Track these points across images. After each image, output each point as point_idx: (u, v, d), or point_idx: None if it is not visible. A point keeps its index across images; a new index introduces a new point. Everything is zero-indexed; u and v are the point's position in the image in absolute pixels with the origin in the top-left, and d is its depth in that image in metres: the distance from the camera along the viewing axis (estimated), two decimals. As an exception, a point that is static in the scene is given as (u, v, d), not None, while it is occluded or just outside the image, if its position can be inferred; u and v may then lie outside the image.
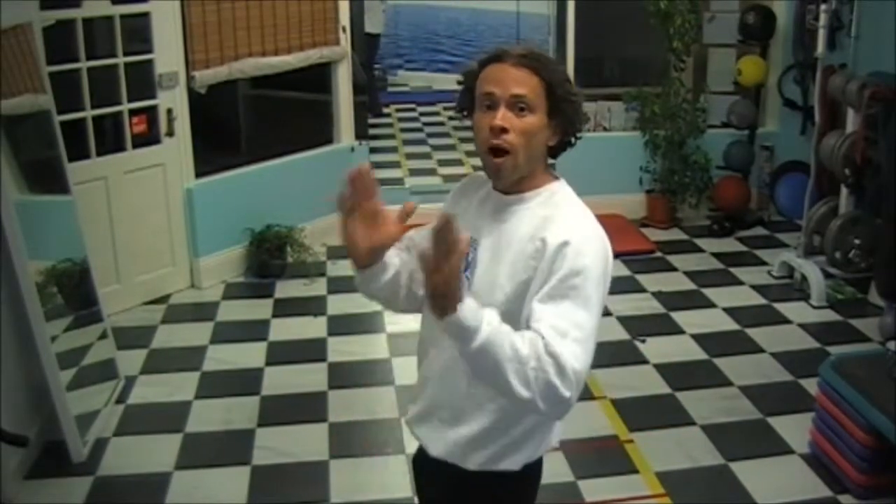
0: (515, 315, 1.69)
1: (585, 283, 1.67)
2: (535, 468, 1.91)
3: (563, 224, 1.71)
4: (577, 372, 1.59)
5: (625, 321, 4.87)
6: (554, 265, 1.66)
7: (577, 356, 1.60)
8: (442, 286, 1.53)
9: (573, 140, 1.83)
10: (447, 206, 1.96)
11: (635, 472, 3.54)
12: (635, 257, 5.76)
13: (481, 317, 1.57)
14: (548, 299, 1.65)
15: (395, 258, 1.88)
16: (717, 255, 5.84)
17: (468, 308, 1.56)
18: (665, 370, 4.34)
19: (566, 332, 1.61)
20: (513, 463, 1.84)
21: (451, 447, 1.84)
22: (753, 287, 5.32)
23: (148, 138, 4.94)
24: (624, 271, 5.57)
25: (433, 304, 1.57)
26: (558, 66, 1.78)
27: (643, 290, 5.29)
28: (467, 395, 1.78)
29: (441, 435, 1.85)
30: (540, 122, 1.73)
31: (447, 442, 1.85)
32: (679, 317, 4.93)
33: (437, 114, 9.64)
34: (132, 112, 4.83)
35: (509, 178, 1.77)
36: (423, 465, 1.96)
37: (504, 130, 1.72)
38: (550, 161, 1.86)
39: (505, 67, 1.74)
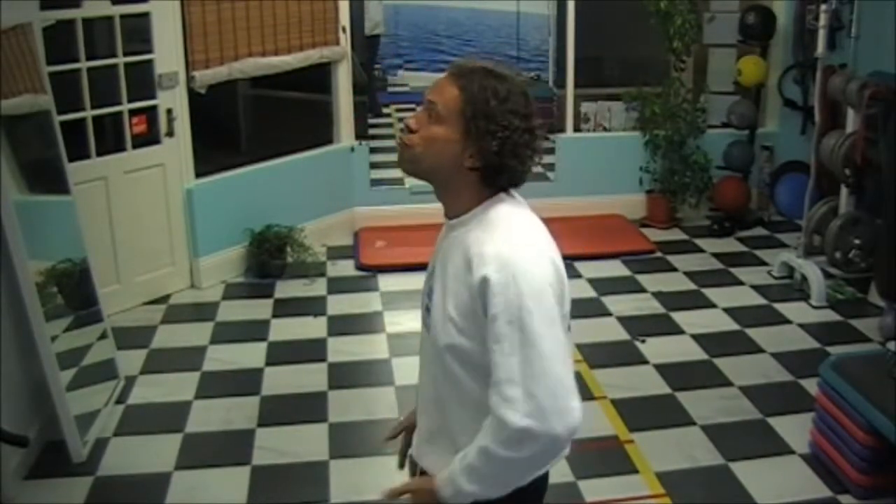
0: (473, 346, 1.69)
1: (522, 317, 1.61)
2: (535, 487, 1.85)
3: (485, 252, 1.65)
4: (531, 411, 1.60)
5: (625, 321, 4.87)
6: (486, 304, 1.64)
7: (533, 397, 1.61)
8: None
9: (508, 178, 1.73)
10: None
11: (635, 472, 3.54)
12: (635, 257, 5.76)
13: (449, 486, 1.72)
14: (493, 345, 1.64)
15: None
16: (717, 255, 5.84)
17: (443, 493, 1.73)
18: (665, 370, 4.34)
19: (522, 379, 1.62)
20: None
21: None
22: (753, 287, 5.32)
23: (148, 138, 4.94)
24: (624, 271, 5.57)
25: None
26: (495, 90, 1.68)
27: (643, 290, 5.29)
28: (459, 420, 1.77)
29: (445, 462, 1.81)
30: (446, 135, 1.69)
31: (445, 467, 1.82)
32: (679, 317, 4.93)
33: (436, 114, 9.62)
34: (132, 112, 4.84)
35: (405, 170, 1.77)
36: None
37: (410, 129, 1.73)
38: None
39: (443, 76, 1.75)
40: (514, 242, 1.68)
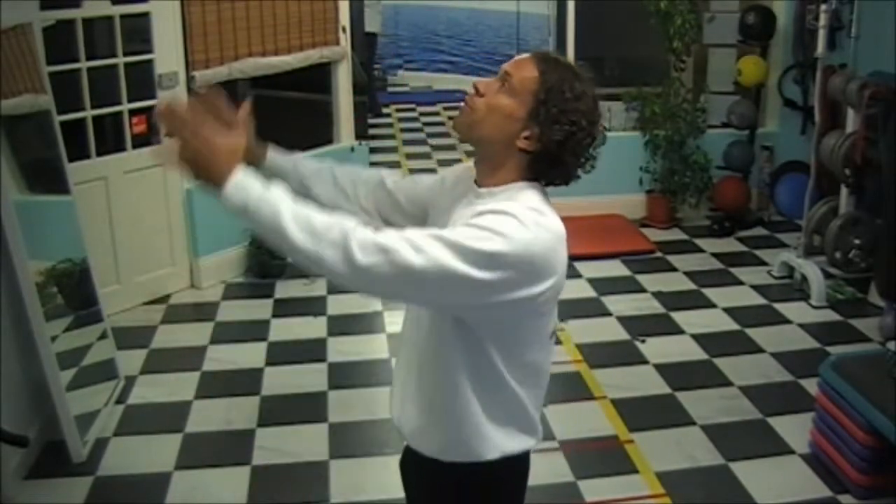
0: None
1: (492, 229, 1.58)
2: (507, 465, 1.86)
3: (500, 204, 1.67)
4: (373, 243, 1.54)
5: (625, 321, 4.87)
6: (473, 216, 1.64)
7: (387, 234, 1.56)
8: (191, 161, 1.57)
9: (560, 172, 1.76)
10: (440, 179, 1.98)
11: (635, 472, 3.54)
12: (635, 257, 5.76)
13: (247, 192, 1.55)
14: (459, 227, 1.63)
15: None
16: (717, 255, 5.84)
17: (233, 185, 1.55)
18: (665, 370, 4.34)
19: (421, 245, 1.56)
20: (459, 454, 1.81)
21: (419, 437, 1.84)
22: (753, 287, 5.32)
23: (148, 138, 4.93)
24: (624, 271, 5.57)
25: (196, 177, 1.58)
26: (572, 87, 1.69)
27: (643, 290, 5.29)
28: (434, 384, 1.78)
29: (417, 427, 1.84)
30: (511, 109, 1.70)
31: (419, 430, 1.84)
32: (679, 317, 4.93)
33: (436, 114, 9.64)
34: (132, 112, 4.83)
35: (459, 132, 1.78)
36: (407, 463, 1.96)
37: (477, 91, 1.74)
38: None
39: (525, 55, 1.77)
40: (534, 214, 1.66)
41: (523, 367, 1.78)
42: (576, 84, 1.71)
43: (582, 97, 1.71)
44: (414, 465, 1.92)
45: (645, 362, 4.43)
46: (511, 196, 1.72)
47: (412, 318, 1.87)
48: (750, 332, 4.74)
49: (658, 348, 4.56)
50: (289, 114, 6.29)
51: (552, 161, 1.73)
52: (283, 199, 1.57)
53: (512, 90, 1.71)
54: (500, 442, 1.79)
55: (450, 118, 9.03)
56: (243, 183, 1.56)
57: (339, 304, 5.10)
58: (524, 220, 1.62)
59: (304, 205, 1.58)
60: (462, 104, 1.76)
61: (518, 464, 1.88)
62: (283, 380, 4.29)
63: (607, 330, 4.77)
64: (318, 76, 5.95)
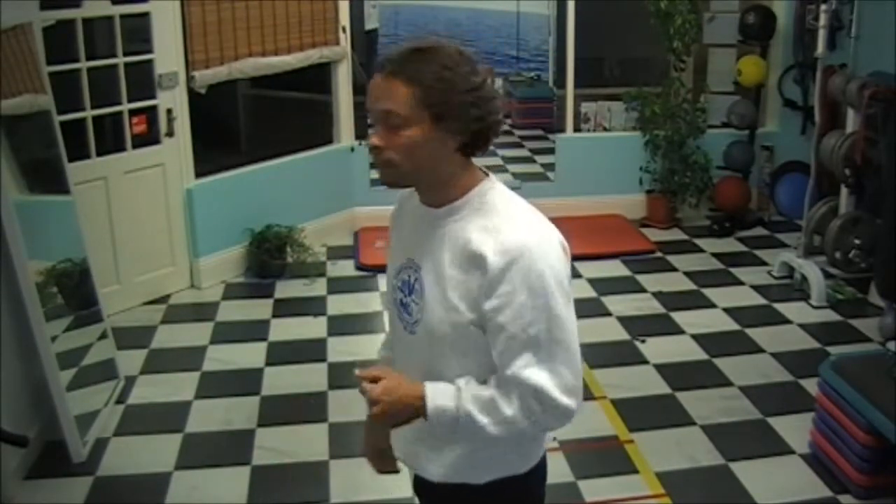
0: (478, 332, 1.67)
1: (548, 300, 1.61)
2: (532, 476, 1.85)
3: (502, 236, 1.62)
4: (568, 388, 1.65)
5: (625, 321, 4.87)
6: (508, 290, 1.60)
7: (562, 375, 1.64)
8: (390, 418, 1.70)
9: (489, 133, 1.68)
10: (391, 226, 1.91)
11: (635, 472, 3.54)
12: (635, 257, 5.76)
13: (450, 410, 1.65)
14: (519, 332, 1.62)
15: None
16: (717, 255, 5.84)
17: (433, 411, 1.66)
18: (665, 370, 4.34)
19: (550, 357, 1.64)
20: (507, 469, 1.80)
21: (450, 469, 1.79)
22: (753, 287, 5.32)
23: (148, 138, 4.95)
24: (624, 271, 5.57)
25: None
26: (441, 65, 1.60)
27: (643, 290, 5.29)
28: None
29: (437, 459, 1.80)
30: (421, 134, 1.60)
31: (445, 465, 1.79)
32: (679, 317, 4.93)
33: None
34: (132, 112, 4.84)
35: (401, 186, 1.72)
36: (426, 488, 1.90)
37: (378, 149, 1.64)
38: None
39: (377, 80, 1.63)
40: (525, 229, 1.65)
41: None
42: (438, 58, 1.60)
43: (455, 65, 1.61)
44: (434, 489, 1.85)
45: (645, 362, 4.43)
46: (479, 209, 1.68)
47: (420, 351, 1.77)
48: (750, 332, 4.74)
49: (658, 348, 4.56)
50: (289, 114, 6.29)
51: (481, 132, 1.66)
52: (468, 400, 1.66)
53: (404, 122, 1.60)
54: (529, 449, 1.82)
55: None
56: (439, 407, 1.66)
57: (339, 304, 5.10)
58: (531, 251, 1.61)
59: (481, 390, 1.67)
60: (383, 172, 1.68)
61: (542, 466, 1.88)
62: (283, 380, 4.29)
63: (607, 330, 4.77)
64: (318, 76, 5.95)
